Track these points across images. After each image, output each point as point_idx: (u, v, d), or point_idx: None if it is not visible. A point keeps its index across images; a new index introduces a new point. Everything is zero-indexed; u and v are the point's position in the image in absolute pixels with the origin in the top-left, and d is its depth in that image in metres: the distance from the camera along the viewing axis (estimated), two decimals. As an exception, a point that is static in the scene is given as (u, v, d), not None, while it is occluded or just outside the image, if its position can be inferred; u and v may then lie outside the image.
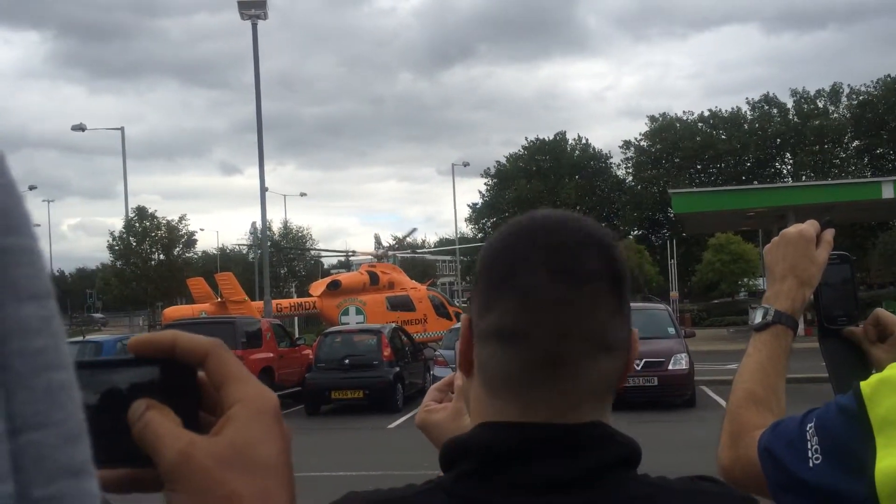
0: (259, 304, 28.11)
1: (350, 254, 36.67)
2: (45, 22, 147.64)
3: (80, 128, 38.00)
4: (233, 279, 26.72)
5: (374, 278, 27.47)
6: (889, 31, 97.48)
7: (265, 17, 22.82)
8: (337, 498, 0.84)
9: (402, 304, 26.81)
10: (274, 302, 29.29)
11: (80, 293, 60.66)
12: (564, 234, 0.79)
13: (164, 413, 0.52)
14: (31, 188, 60.01)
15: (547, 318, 0.76)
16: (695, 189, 42.69)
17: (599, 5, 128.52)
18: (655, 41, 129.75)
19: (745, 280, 43.09)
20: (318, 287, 28.28)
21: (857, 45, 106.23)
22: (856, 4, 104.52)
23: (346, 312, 26.12)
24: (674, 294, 40.75)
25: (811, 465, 1.06)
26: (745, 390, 1.29)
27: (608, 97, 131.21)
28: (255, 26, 22.64)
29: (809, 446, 1.08)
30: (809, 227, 1.33)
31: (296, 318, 32.09)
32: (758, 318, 1.32)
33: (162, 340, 0.54)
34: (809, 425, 1.10)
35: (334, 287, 26.87)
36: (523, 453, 0.77)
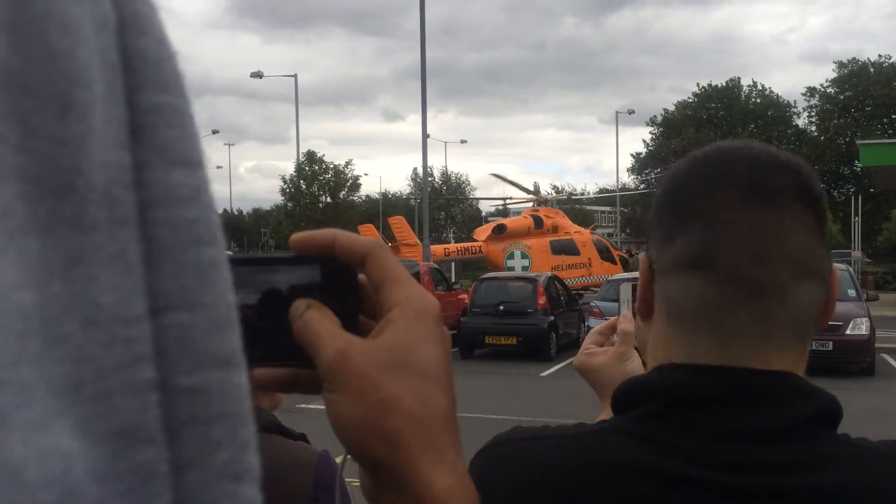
0: (435, 248, 28.92)
1: (507, 200, 36.68)
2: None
3: (257, 75, 40.14)
4: (404, 223, 27.52)
5: (538, 222, 27.56)
6: None
7: (431, -38, 22.80)
8: (500, 432, 0.82)
9: (567, 248, 26.81)
10: (442, 246, 30.01)
11: (255, 232, 64.91)
12: (752, 156, 0.74)
13: (324, 313, 0.50)
14: (214, 132, 64.53)
15: (741, 239, 0.71)
16: (888, 140, 38.87)
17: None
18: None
19: (942, 242, 39.02)
20: (483, 232, 28.67)
21: None
22: None
23: (511, 256, 26.46)
24: (856, 254, 37.72)
25: None
26: None
27: (790, 40, 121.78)
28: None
29: None
30: None
31: (453, 264, 32.79)
32: None
33: (323, 238, 0.51)
34: None
35: (500, 231, 27.19)
36: (716, 399, 0.72)
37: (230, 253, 0.49)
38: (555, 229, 27.76)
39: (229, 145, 72.66)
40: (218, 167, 74.75)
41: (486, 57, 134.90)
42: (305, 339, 0.49)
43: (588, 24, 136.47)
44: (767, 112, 64.31)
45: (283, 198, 35.92)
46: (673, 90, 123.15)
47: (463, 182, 65.13)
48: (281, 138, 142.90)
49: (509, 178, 31.56)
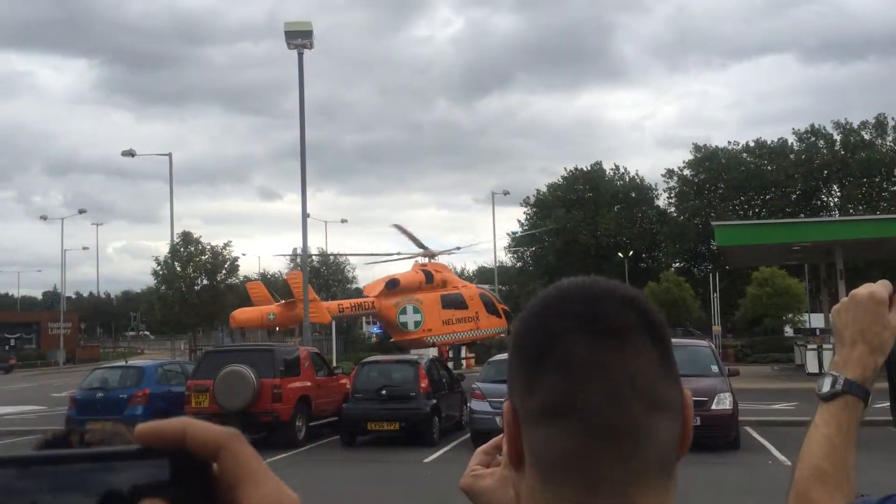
0: (329, 304, 28.33)
1: (396, 255, 36.42)
2: (94, 50, 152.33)
3: (129, 153, 38.79)
4: (301, 278, 27.02)
5: (429, 276, 27.81)
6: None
7: (311, 47, 23.17)
8: None
9: (456, 303, 27.21)
10: (336, 302, 29.51)
11: (124, 316, 61.47)
12: (594, 296, 0.77)
13: None
14: (81, 212, 61.60)
15: (595, 384, 0.73)
16: (738, 221, 42.00)
17: (635, 35, 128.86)
18: (692, 71, 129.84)
19: (790, 315, 42.11)
20: (374, 287, 28.54)
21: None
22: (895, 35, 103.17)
23: (403, 311, 26.48)
24: (716, 328, 40.08)
25: None
26: (812, 466, 1.21)
27: (646, 126, 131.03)
28: (300, 55, 23.01)
29: None
30: (881, 287, 1.25)
31: (333, 343, 32.25)
32: (825, 386, 1.24)
33: (171, 430, 0.46)
34: None
35: (393, 286, 27.17)
36: None
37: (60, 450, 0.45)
38: (444, 284, 28.22)
39: (97, 225, 69.43)
40: (84, 248, 71.05)
41: (364, 137, 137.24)
42: None
43: (460, 108, 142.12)
44: (631, 194, 68.31)
45: (155, 280, 34.44)
46: (543, 171, 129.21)
47: (343, 262, 64.77)
48: (152, 217, 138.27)
49: (408, 230, 31.53)
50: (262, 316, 26.09)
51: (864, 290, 1.26)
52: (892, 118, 61.52)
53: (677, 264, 63.51)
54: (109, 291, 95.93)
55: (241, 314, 27.27)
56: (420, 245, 31.39)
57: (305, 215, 24.31)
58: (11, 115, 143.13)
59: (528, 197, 71.00)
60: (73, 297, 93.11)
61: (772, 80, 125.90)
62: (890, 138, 61.54)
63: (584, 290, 0.78)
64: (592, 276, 0.83)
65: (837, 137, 62.71)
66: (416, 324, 26.67)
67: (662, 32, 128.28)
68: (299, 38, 22.72)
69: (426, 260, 30.63)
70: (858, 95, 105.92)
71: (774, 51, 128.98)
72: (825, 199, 63.97)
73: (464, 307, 27.32)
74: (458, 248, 34.48)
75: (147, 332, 66.51)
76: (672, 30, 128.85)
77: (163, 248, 36.15)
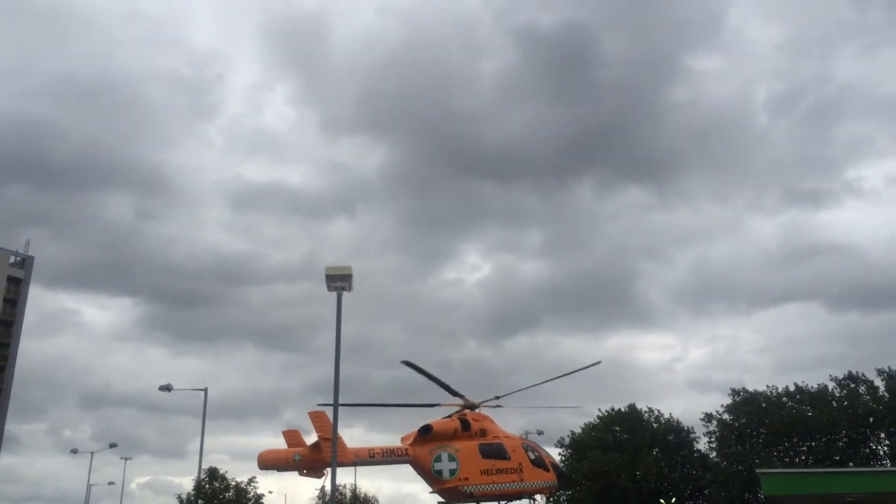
0: (358, 449, 26.82)
1: (436, 406, 34.37)
2: (138, 290, 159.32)
3: (166, 388, 39.21)
4: (325, 417, 25.82)
5: (465, 425, 26.40)
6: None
7: (350, 289, 24.18)
8: None
9: (496, 453, 25.61)
10: (366, 447, 28.00)
11: (139, 558, 58.67)
12: None
13: None
14: (112, 446, 61.14)
15: None
16: (786, 470, 40.03)
17: (658, 282, 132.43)
18: (719, 317, 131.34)
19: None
20: (408, 436, 27.11)
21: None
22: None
23: (438, 459, 25.00)
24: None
25: None
26: None
27: (677, 369, 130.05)
28: (339, 297, 23.97)
29: None
30: None
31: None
32: None
33: None
34: None
35: (426, 433, 25.75)
36: None
37: None
38: (482, 433, 26.75)
39: (125, 459, 68.13)
40: (110, 483, 69.27)
41: (394, 374, 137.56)
42: None
43: (488, 347, 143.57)
44: (668, 437, 66.05)
45: (176, 520, 33.25)
46: (575, 412, 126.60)
47: (372, 500, 62.34)
48: (179, 452, 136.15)
49: (421, 367, 29.05)
50: (288, 457, 25.04)
51: None
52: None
53: (724, 514, 59.67)
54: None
55: (268, 454, 26.15)
56: (452, 391, 29.40)
57: (335, 453, 23.88)
58: (54, 351, 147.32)
59: (562, 438, 69.21)
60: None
61: (800, 327, 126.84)
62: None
63: None
64: None
65: (880, 384, 61.30)
66: (452, 472, 25.12)
67: (686, 280, 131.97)
68: (339, 280, 23.83)
69: (466, 410, 29.22)
70: (890, 343, 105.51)
71: (799, 299, 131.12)
72: (874, 447, 61.13)
73: (505, 458, 25.72)
74: (498, 398, 32.23)
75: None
76: (695, 278, 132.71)
77: (187, 484, 35.47)
